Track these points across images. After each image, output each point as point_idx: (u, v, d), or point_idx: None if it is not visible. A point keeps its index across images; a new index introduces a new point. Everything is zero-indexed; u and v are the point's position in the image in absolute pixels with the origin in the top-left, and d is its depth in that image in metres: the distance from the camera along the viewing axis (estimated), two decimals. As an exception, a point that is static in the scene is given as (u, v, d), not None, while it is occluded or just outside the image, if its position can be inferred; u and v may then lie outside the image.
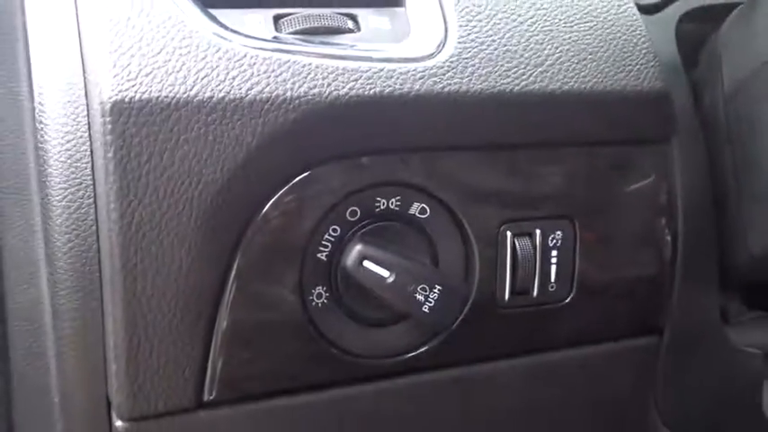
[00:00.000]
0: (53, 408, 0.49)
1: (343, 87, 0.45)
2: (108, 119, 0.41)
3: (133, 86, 0.42)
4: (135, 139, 0.41)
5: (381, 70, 0.46)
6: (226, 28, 0.45)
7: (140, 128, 0.41)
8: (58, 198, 0.44)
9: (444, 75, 0.47)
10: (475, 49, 0.48)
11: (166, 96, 0.42)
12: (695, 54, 0.60)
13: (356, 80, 0.45)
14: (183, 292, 0.44)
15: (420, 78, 0.46)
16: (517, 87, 0.49)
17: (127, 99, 0.41)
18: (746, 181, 0.55)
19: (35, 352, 0.50)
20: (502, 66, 0.49)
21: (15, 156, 0.50)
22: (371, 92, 0.45)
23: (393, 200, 0.48)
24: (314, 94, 0.44)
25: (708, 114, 0.57)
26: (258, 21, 0.48)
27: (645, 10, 0.58)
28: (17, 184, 0.50)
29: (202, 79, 0.43)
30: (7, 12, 0.50)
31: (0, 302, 0.53)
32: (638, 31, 0.53)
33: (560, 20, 0.52)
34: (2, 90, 0.51)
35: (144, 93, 0.42)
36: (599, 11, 0.53)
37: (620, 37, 0.53)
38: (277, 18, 0.48)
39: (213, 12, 0.46)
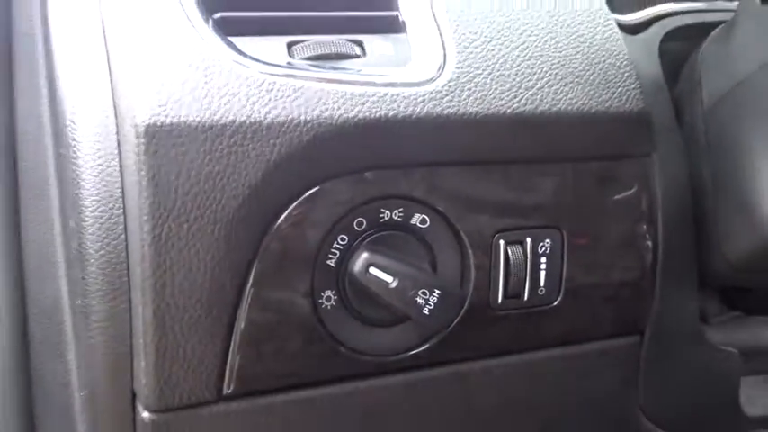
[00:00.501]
0: (74, 402, 0.50)
1: (352, 111, 0.47)
2: (142, 140, 0.43)
3: (164, 112, 0.43)
4: (165, 158, 0.43)
5: (386, 95, 0.48)
6: (244, 55, 0.47)
7: (170, 149, 0.43)
8: (90, 209, 0.46)
9: (443, 98, 0.49)
10: (471, 74, 0.50)
11: (193, 120, 0.44)
12: (678, 71, 0.61)
13: (363, 104, 0.47)
14: (206, 296, 0.45)
15: (421, 102, 0.48)
16: (510, 109, 0.50)
17: (158, 123, 0.43)
18: (723, 193, 0.56)
19: (55, 349, 0.51)
20: (496, 89, 0.50)
21: (36, 160, 0.51)
22: (377, 115, 0.47)
23: (396, 211, 0.49)
24: (325, 117, 0.46)
25: (688, 130, 0.58)
26: (273, 47, 0.49)
27: (629, 30, 0.60)
28: (38, 186, 0.51)
29: (225, 104, 0.45)
30: (29, 33, 0.52)
31: (21, 301, 0.54)
32: (620, 55, 0.54)
33: (550, 45, 0.53)
34: (25, 101, 0.53)
35: (173, 117, 0.43)
36: (585, 36, 0.54)
37: (604, 61, 0.54)
38: (290, 45, 0.50)
39: (232, 39, 0.48)
